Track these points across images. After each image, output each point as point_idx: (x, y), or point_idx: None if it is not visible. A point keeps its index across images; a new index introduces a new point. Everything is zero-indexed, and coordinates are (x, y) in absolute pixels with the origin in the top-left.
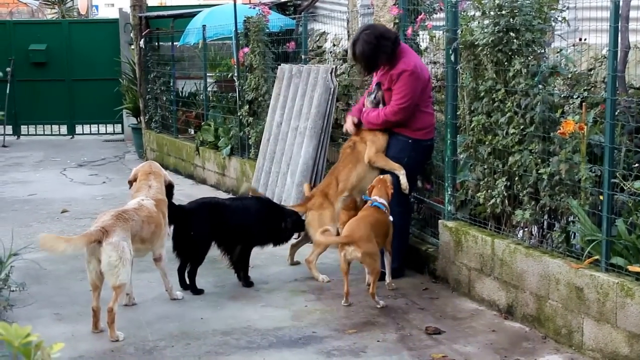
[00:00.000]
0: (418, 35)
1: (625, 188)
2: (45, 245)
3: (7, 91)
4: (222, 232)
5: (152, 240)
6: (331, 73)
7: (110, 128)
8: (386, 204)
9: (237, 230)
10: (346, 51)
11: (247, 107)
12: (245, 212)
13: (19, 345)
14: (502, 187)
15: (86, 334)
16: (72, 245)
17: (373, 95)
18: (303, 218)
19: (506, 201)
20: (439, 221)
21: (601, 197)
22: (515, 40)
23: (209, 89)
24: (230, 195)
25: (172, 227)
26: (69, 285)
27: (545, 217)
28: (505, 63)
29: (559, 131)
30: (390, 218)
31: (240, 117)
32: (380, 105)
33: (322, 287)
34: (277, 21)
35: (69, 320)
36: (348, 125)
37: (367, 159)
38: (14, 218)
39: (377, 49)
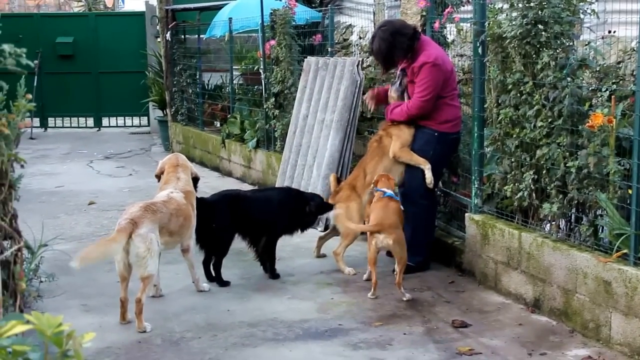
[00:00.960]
0: (445, 27)
1: None
2: (88, 260)
3: (35, 84)
4: (245, 224)
5: (180, 232)
6: (357, 66)
7: (136, 120)
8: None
9: (260, 222)
10: None
11: (273, 99)
12: (267, 203)
13: (51, 335)
14: (530, 180)
15: (114, 325)
16: (116, 244)
17: (398, 82)
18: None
19: (533, 194)
20: (466, 214)
21: (630, 191)
22: (543, 33)
23: (235, 81)
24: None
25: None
26: (97, 277)
27: (573, 210)
28: (534, 56)
29: (587, 124)
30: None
31: (266, 109)
32: (405, 96)
33: (348, 280)
34: (303, 14)
35: (96, 311)
36: (369, 98)
37: (391, 154)
38: (41, 209)
39: (392, 46)
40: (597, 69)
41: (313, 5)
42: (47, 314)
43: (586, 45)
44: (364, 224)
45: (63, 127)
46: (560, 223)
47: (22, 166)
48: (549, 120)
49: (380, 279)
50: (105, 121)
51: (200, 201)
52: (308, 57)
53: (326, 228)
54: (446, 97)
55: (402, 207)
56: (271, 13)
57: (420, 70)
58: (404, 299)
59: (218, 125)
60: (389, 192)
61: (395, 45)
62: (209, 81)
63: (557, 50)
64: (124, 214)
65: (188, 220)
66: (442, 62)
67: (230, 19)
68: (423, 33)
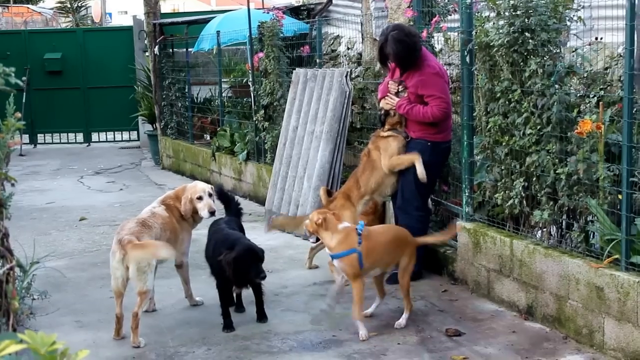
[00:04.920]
0: (433, 37)
1: None
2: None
3: (24, 100)
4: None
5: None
6: (346, 76)
7: (126, 135)
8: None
9: None
10: (360, 54)
11: (262, 111)
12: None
13: (45, 353)
14: (520, 188)
15: (107, 341)
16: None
17: (405, 93)
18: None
19: (524, 202)
20: (457, 223)
21: (620, 196)
22: (530, 41)
23: (224, 94)
24: (247, 200)
25: None
26: (90, 293)
27: (564, 217)
28: (521, 63)
29: (576, 131)
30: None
31: (256, 122)
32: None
33: (342, 291)
34: (291, 25)
35: (90, 327)
36: (385, 105)
37: (385, 169)
38: (33, 226)
39: (410, 46)
40: (585, 76)
41: (301, 17)
42: (40, 332)
43: (573, 52)
44: None
45: (53, 143)
46: (552, 230)
47: (12, 185)
48: (538, 127)
49: (373, 289)
50: (95, 136)
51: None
52: (297, 68)
53: (317, 239)
54: None
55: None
56: (259, 25)
57: (429, 82)
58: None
59: (208, 138)
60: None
61: (413, 45)
62: (197, 94)
63: (545, 58)
64: (121, 230)
65: (174, 234)
66: (444, 72)
67: (218, 32)
68: None
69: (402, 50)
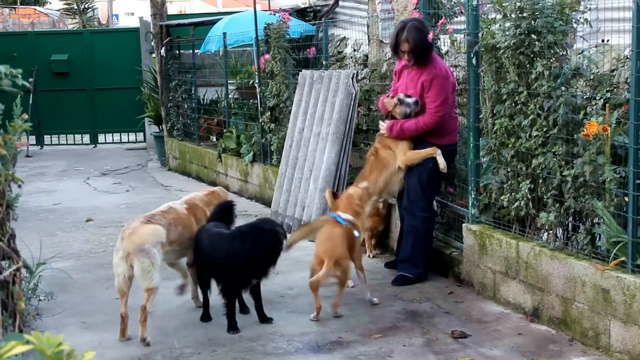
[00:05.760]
0: (439, 39)
1: None
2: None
3: (30, 101)
4: None
5: (180, 242)
6: (352, 78)
7: (132, 136)
8: (350, 218)
9: None
10: (366, 56)
11: (268, 113)
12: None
13: (52, 354)
14: (526, 190)
15: (113, 342)
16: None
17: (409, 111)
18: None
19: (530, 204)
20: (463, 225)
21: (626, 199)
22: (537, 43)
23: (230, 96)
24: (253, 202)
25: None
26: (95, 294)
27: (570, 219)
28: (527, 65)
29: (582, 133)
30: (356, 233)
31: (262, 123)
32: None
33: (347, 292)
34: (297, 27)
35: (95, 328)
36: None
37: (402, 164)
38: (39, 227)
39: (426, 39)
40: (591, 78)
41: (307, 18)
42: (47, 333)
43: (580, 54)
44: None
45: (59, 144)
46: (558, 232)
47: (19, 186)
48: (544, 129)
49: (378, 291)
50: (101, 137)
51: None
52: (303, 70)
53: None
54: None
55: (356, 233)
56: (265, 27)
57: (431, 85)
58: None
59: (214, 139)
60: (342, 217)
61: (428, 40)
62: (204, 96)
63: (551, 60)
64: (125, 229)
65: (187, 230)
66: (450, 74)
67: (224, 33)
68: None
69: (420, 40)
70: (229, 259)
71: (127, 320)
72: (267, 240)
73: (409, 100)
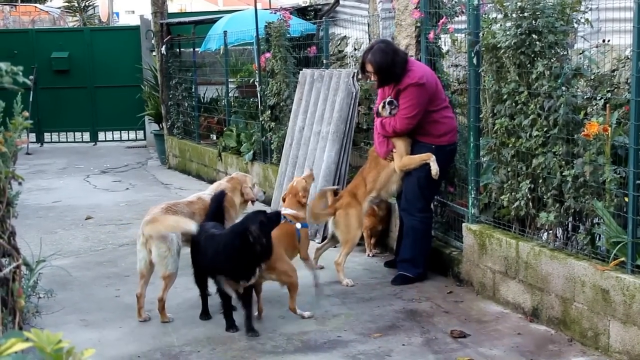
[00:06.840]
0: (440, 38)
1: None
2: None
3: (31, 99)
4: None
5: None
6: (353, 77)
7: (132, 134)
8: (292, 212)
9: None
10: None
11: (269, 112)
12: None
13: (51, 352)
14: (526, 190)
15: (113, 339)
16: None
17: (389, 110)
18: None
19: (530, 203)
20: (463, 224)
21: (626, 199)
22: (537, 43)
23: (230, 94)
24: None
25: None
26: (95, 292)
27: (570, 219)
28: (528, 65)
29: (582, 133)
30: (298, 225)
31: (262, 122)
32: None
33: (347, 291)
34: (298, 26)
35: (95, 326)
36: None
37: (397, 170)
38: (39, 225)
39: (392, 62)
40: (592, 78)
41: (308, 17)
42: (46, 331)
43: (580, 54)
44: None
45: (59, 142)
46: (558, 232)
47: (19, 183)
48: (545, 129)
49: (378, 290)
50: (101, 135)
51: None
52: (303, 69)
53: (324, 239)
54: (436, 110)
55: (298, 225)
56: (266, 26)
57: (404, 91)
58: (304, 317)
59: (214, 138)
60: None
61: (395, 62)
62: (204, 94)
63: (552, 60)
64: (146, 215)
65: None
66: (426, 80)
67: (225, 32)
68: (417, 44)
69: (384, 62)
70: (214, 261)
71: (142, 301)
72: (238, 243)
73: (387, 101)
